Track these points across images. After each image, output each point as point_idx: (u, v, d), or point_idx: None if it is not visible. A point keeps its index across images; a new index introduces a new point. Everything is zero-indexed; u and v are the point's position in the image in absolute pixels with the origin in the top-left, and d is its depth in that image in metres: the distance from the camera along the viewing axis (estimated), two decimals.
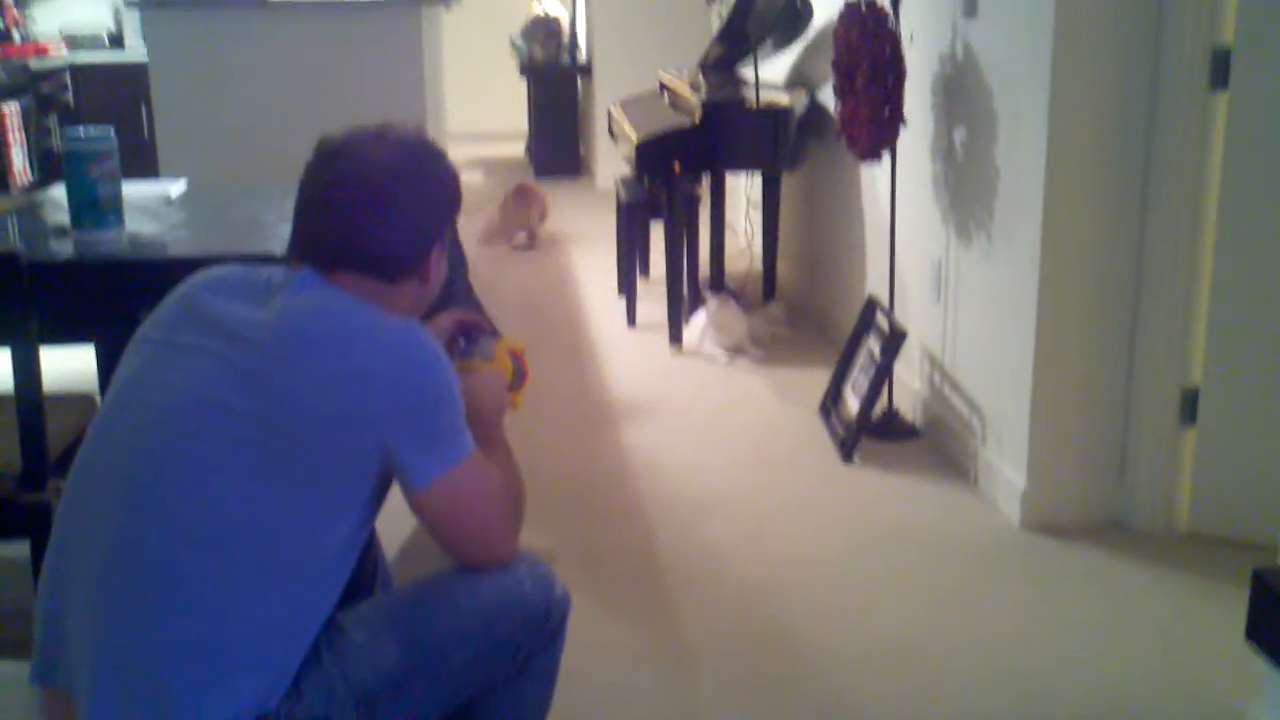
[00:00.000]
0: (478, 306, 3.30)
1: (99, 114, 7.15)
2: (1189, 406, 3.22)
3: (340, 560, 1.68)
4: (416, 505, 1.70)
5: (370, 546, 2.08)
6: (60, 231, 2.77)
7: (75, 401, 2.54)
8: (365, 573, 2.04)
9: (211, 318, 1.69)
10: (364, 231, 1.75)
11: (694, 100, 4.84)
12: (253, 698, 1.57)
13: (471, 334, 2.10)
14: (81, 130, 2.73)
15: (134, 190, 3.10)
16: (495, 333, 2.19)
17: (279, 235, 1.77)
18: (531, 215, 6.75)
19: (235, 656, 1.56)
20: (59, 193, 2.88)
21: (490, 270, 6.25)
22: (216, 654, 1.55)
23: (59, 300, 2.54)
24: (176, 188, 3.28)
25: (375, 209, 1.75)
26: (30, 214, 3.07)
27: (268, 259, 1.93)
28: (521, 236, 6.72)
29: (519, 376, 2.14)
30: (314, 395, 1.60)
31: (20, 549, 2.29)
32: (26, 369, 2.16)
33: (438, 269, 1.86)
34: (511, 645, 1.80)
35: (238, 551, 1.57)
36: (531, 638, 1.82)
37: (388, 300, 1.76)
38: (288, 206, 1.81)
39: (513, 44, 9.28)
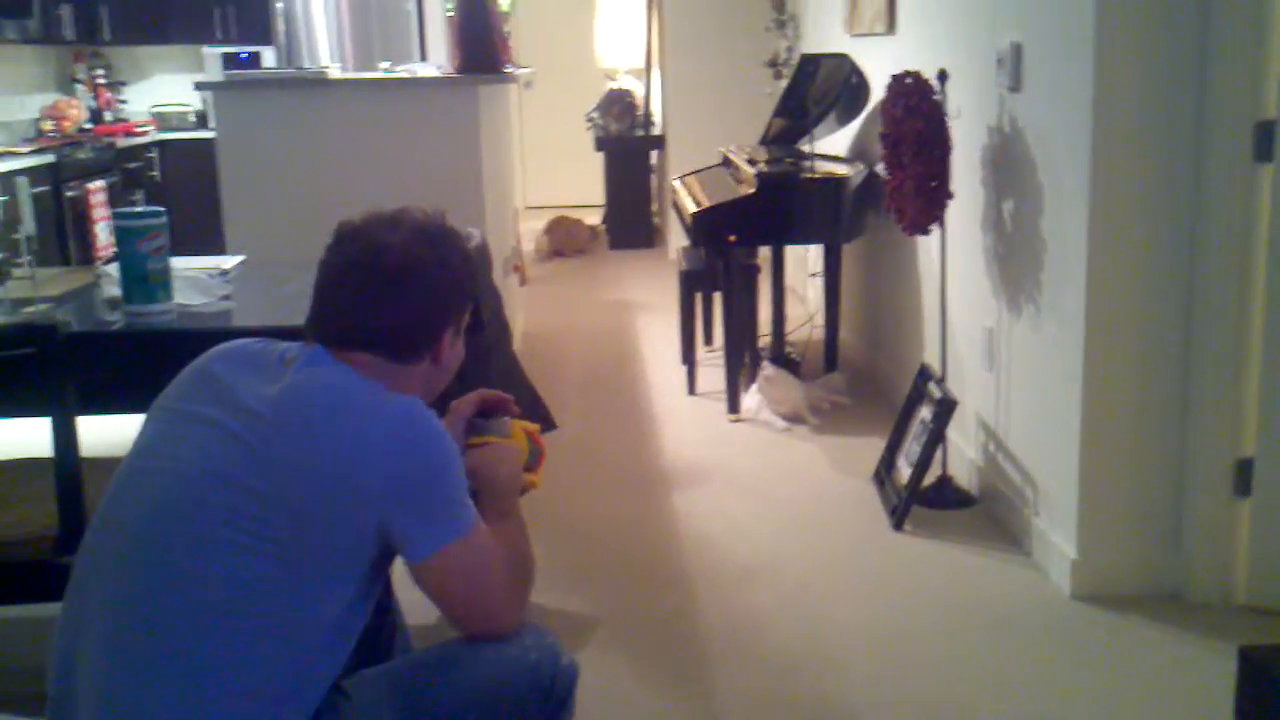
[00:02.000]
0: (521, 379, 3.34)
1: (183, 191, 7.41)
2: (1243, 477, 3.16)
3: (342, 630, 1.71)
4: (416, 577, 1.74)
5: (388, 612, 2.12)
6: (112, 304, 2.88)
7: (115, 467, 2.62)
8: (382, 639, 2.08)
9: (222, 389, 1.75)
10: (374, 312, 1.81)
11: (750, 173, 4.89)
12: None
13: (490, 412, 2.14)
14: (133, 209, 2.83)
15: (188, 265, 3.21)
16: (521, 414, 2.22)
17: None
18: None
19: None
20: (117, 268, 2.98)
21: (554, 346, 6.32)
22: (214, 718, 1.59)
23: (106, 370, 2.64)
24: (231, 263, 3.39)
25: (385, 290, 1.81)
26: (93, 287, 3.20)
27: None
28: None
29: (535, 456, 2.19)
30: (312, 470, 1.65)
31: (58, 609, 2.36)
32: (65, 436, 2.25)
33: (451, 352, 1.91)
34: (515, 716, 1.81)
35: (236, 619, 1.61)
36: (536, 709, 1.83)
37: (398, 380, 1.81)
38: None
39: (589, 118, 9.44)
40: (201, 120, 8.05)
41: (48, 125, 7.41)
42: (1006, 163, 3.68)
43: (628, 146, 9.18)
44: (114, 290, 2.91)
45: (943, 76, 3.83)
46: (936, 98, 3.80)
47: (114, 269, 2.95)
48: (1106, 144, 3.09)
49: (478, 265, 2.05)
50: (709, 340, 5.85)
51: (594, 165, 9.44)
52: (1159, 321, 3.17)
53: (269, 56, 7.87)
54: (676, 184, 5.81)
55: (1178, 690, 2.82)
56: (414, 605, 2.15)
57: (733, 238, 4.76)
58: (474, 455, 2.02)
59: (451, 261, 1.88)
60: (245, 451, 1.66)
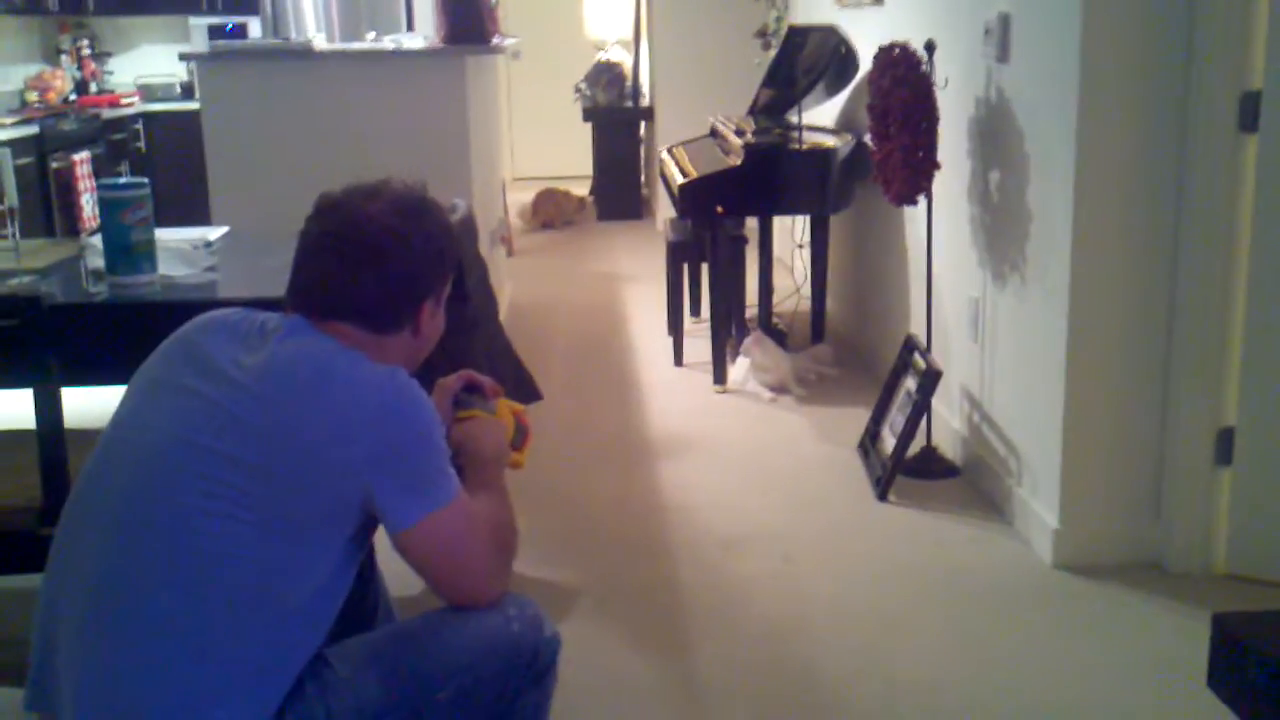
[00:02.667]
0: (507, 350, 3.35)
1: (168, 162, 7.38)
2: (1224, 446, 3.18)
3: (324, 599, 1.72)
4: (399, 547, 1.75)
5: (371, 582, 2.13)
6: (96, 276, 2.87)
7: (98, 438, 2.63)
8: (365, 608, 2.09)
9: (204, 360, 1.75)
10: (353, 282, 1.81)
11: (738, 144, 4.89)
12: None
13: (476, 389, 2.15)
14: (117, 180, 2.83)
15: (173, 236, 3.20)
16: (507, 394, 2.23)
17: None
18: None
19: (215, 691, 1.61)
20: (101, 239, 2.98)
21: (541, 317, 6.33)
22: (196, 688, 1.60)
23: (90, 342, 2.65)
24: (216, 234, 3.38)
25: (365, 261, 1.81)
26: (79, 259, 3.19)
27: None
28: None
29: (521, 435, 2.20)
30: (295, 439, 1.66)
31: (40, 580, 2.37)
32: (48, 407, 2.25)
33: (432, 323, 1.92)
34: (497, 685, 1.83)
35: (218, 589, 1.62)
36: (518, 678, 1.85)
37: (379, 351, 1.81)
38: None
39: (577, 89, 9.40)
40: (187, 91, 8.01)
41: (32, 96, 7.36)
42: (993, 134, 3.69)
43: (616, 118, 9.15)
44: (98, 262, 2.91)
45: (930, 47, 3.82)
46: (924, 69, 3.80)
47: (98, 240, 2.95)
48: (1093, 115, 3.09)
49: (459, 236, 2.05)
50: (696, 311, 5.85)
51: (582, 136, 9.41)
52: (1142, 292, 3.18)
53: (255, 27, 7.82)
54: (664, 155, 5.81)
55: (1157, 658, 2.84)
56: (397, 576, 2.16)
57: (720, 209, 4.76)
58: (460, 428, 2.03)
59: (431, 233, 1.88)
60: (227, 420, 1.67)
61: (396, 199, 1.87)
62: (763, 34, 7.54)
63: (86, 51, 8.03)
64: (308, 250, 1.85)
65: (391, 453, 1.70)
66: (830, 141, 4.89)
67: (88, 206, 6.54)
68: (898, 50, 3.86)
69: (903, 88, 3.79)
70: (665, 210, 7.92)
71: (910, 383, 3.96)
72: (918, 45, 3.84)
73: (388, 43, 5.18)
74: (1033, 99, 3.40)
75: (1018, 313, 3.53)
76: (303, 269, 1.85)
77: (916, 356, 3.97)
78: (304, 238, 1.86)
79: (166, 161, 7.47)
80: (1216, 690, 1.51)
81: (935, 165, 3.82)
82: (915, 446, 3.91)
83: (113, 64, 8.31)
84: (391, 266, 1.82)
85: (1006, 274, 3.60)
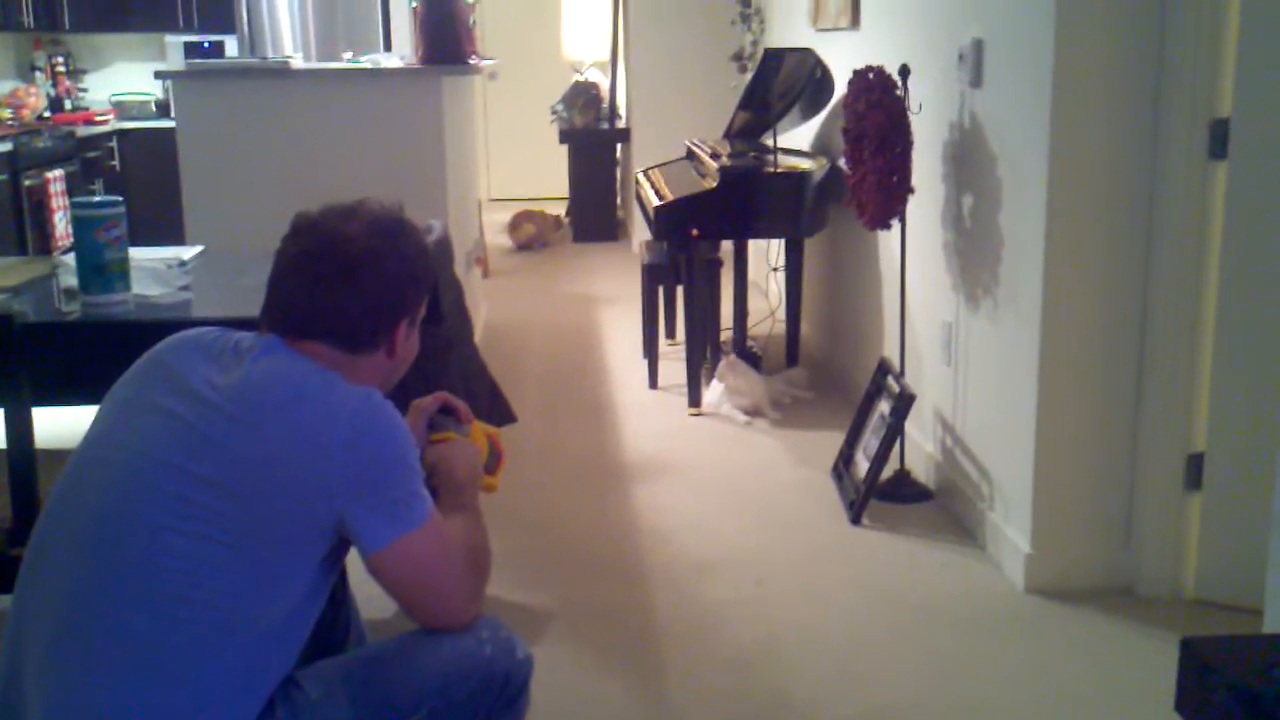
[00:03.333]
0: (482, 371, 3.35)
1: (142, 180, 7.35)
2: (1194, 472, 3.20)
3: (296, 621, 1.72)
4: (371, 569, 1.74)
5: (343, 604, 2.12)
6: (69, 295, 2.86)
7: (70, 458, 2.62)
8: (336, 632, 2.08)
9: (177, 379, 1.75)
10: (329, 302, 1.81)
11: (713, 166, 4.90)
12: None
13: (450, 412, 2.15)
14: (91, 198, 2.82)
15: (147, 255, 3.19)
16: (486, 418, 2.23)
17: None
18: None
19: (186, 713, 1.60)
20: (74, 258, 2.97)
21: (516, 339, 6.32)
22: (167, 710, 1.59)
23: (63, 361, 2.63)
24: (190, 253, 3.37)
25: (341, 281, 1.82)
26: (52, 277, 3.17)
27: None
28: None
29: (495, 459, 2.20)
30: (268, 460, 1.65)
31: (8, 601, 2.35)
32: (19, 427, 2.24)
33: (406, 344, 1.92)
34: (470, 708, 1.82)
35: (188, 611, 1.61)
36: (491, 702, 1.85)
37: (353, 371, 1.81)
38: None
39: (554, 111, 9.43)
40: (162, 109, 7.98)
41: (6, 113, 7.33)
42: (967, 158, 3.71)
43: (592, 139, 9.17)
44: (71, 280, 2.89)
45: (904, 72, 3.85)
46: (898, 93, 3.83)
47: (71, 259, 2.93)
48: (1065, 140, 3.12)
49: (434, 257, 2.05)
50: (671, 334, 5.86)
51: (558, 158, 9.43)
52: (1114, 317, 3.21)
53: (231, 46, 7.81)
54: (640, 177, 5.82)
55: (1127, 682, 2.85)
56: (369, 600, 2.15)
57: (695, 232, 4.78)
58: (434, 450, 2.03)
59: (407, 253, 1.88)
60: (200, 441, 1.66)
61: (373, 219, 1.87)
62: (739, 57, 7.59)
63: (61, 68, 8.00)
64: (284, 269, 1.85)
65: (365, 475, 1.69)
66: (805, 165, 4.92)
67: (60, 225, 6.50)
68: (873, 74, 3.89)
69: (877, 111, 3.81)
70: (641, 232, 7.95)
71: (884, 406, 3.97)
72: (893, 69, 3.87)
73: (365, 62, 5.18)
74: (1006, 124, 3.43)
75: (990, 337, 3.56)
76: (278, 288, 1.85)
77: (890, 380, 3.99)
78: (280, 257, 1.86)
79: (141, 180, 7.44)
80: (1184, 714, 1.52)
81: (909, 189, 3.84)
82: (888, 470, 3.92)
83: (88, 81, 8.28)
84: (367, 286, 1.82)
85: (979, 298, 3.63)
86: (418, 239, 1.93)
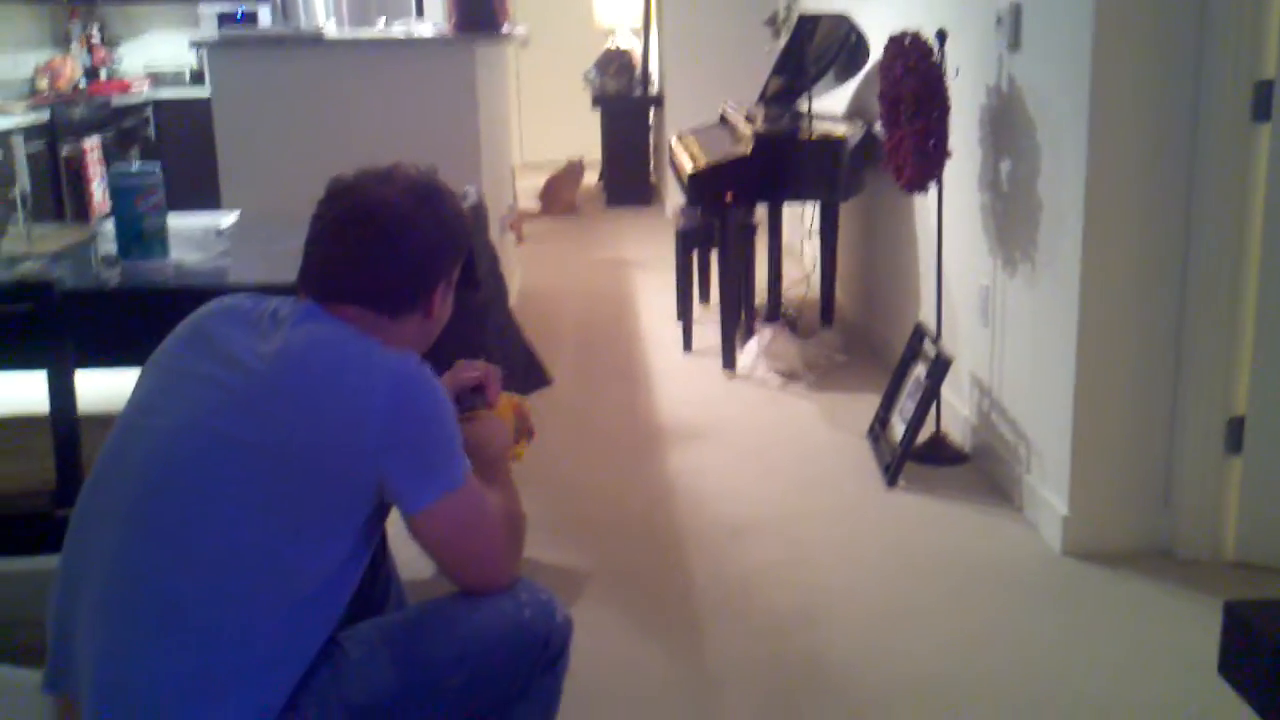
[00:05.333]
0: (518, 336, 3.35)
1: (178, 148, 7.37)
2: (1234, 435, 3.18)
3: (339, 583, 1.73)
4: (413, 530, 1.75)
5: (381, 565, 2.14)
6: (110, 261, 2.88)
7: (112, 422, 2.64)
8: (376, 593, 2.10)
9: (218, 345, 1.76)
10: (366, 266, 1.82)
11: (748, 132, 4.88)
12: (247, 715, 1.62)
13: (480, 389, 2.16)
14: (129, 166, 2.84)
15: (185, 222, 3.21)
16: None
17: None
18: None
19: (230, 675, 1.61)
20: (113, 225, 2.99)
21: (550, 304, 6.34)
22: (211, 672, 1.60)
23: (103, 326, 2.66)
24: (227, 220, 3.39)
25: (377, 244, 1.82)
26: (91, 244, 3.20)
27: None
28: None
29: (521, 430, 2.21)
30: (310, 423, 1.66)
31: (55, 562, 2.39)
32: (61, 391, 2.27)
33: (443, 306, 1.93)
34: (510, 670, 1.83)
35: (233, 574, 1.63)
36: (530, 664, 1.85)
37: (390, 334, 1.82)
38: None
39: (586, 77, 9.40)
40: (196, 78, 8.00)
41: (42, 83, 7.37)
42: (1005, 122, 3.68)
43: (625, 105, 9.15)
44: (110, 247, 2.92)
45: (941, 36, 3.81)
46: (935, 57, 3.79)
47: (110, 226, 2.96)
48: (1105, 103, 3.08)
49: (470, 220, 2.05)
50: (705, 298, 5.86)
51: (591, 123, 9.40)
52: (1153, 280, 3.18)
53: (265, 14, 7.82)
54: (674, 142, 5.81)
55: (1166, 645, 2.85)
56: (408, 562, 2.17)
57: (730, 197, 4.76)
58: (464, 427, 2.04)
59: (444, 216, 1.89)
60: (242, 407, 1.68)
61: (409, 182, 1.87)
62: (773, 22, 7.54)
63: (96, 38, 8.03)
64: (320, 234, 1.85)
65: (405, 436, 1.70)
66: (840, 129, 4.89)
67: (98, 192, 6.57)
68: (909, 39, 3.85)
69: (914, 76, 3.78)
70: (674, 197, 7.93)
71: (920, 370, 3.96)
72: (929, 34, 3.83)
73: (398, 30, 5.18)
74: (1044, 87, 3.39)
75: (1028, 300, 3.53)
76: (315, 253, 1.85)
77: (926, 343, 3.97)
78: (316, 221, 1.87)
79: (175, 148, 7.46)
80: (1228, 677, 1.51)
81: (946, 153, 3.81)
82: (925, 433, 3.91)
83: (122, 50, 8.30)
84: (404, 249, 1.83)
85: (1017, 261, 3.60)
86: (453, 202, 1.93)
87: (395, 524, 1.82)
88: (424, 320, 1.89)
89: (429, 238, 1.86)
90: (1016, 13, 3.52)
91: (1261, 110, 3.01)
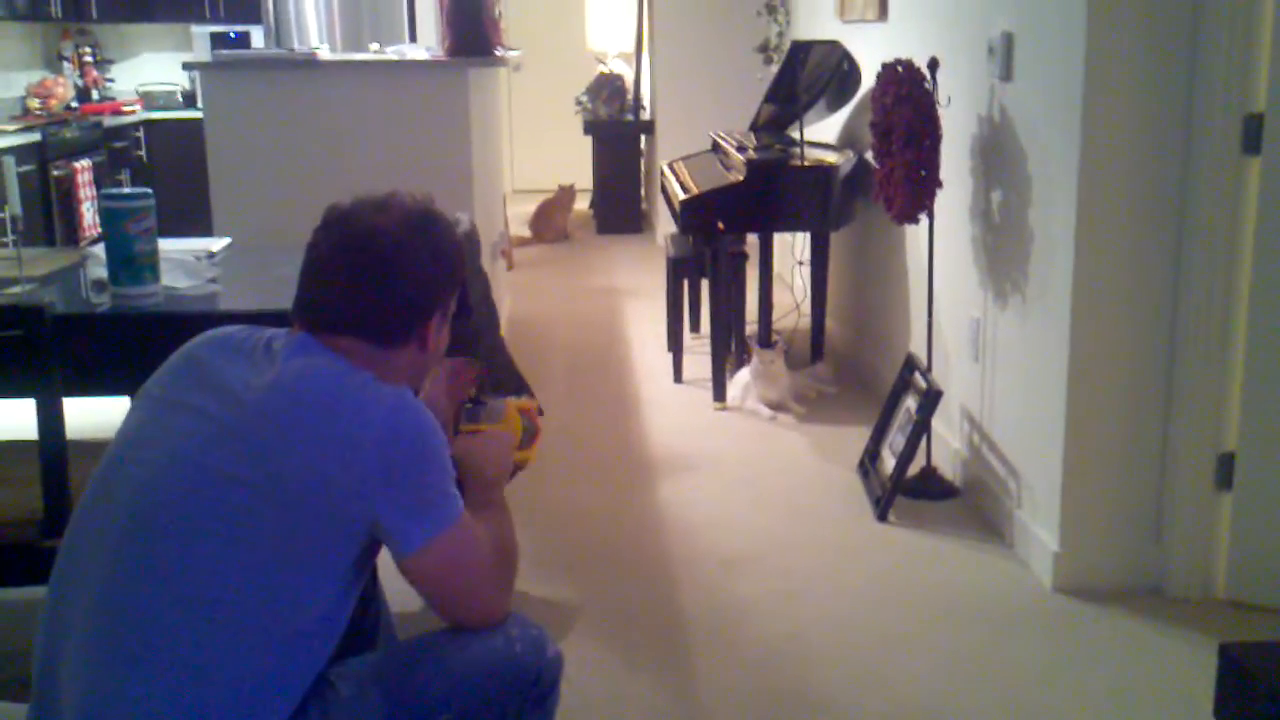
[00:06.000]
0: (508, 364, 3.34)
1: (170, 170, 7.38)
2: (1225, 471, 3.18)
3: (328, 621, 1.71)
4: (403, 570, 1.74)
5: (372, 602, 2.12)
6: (100, 286, 2.87)
7: (101, 450, 2.62)
8: (365, 630, 2.08)
9: (210, 377, 1.74)
10: (361, 296, 1.80)
11: (739, 159, 4.89)
12: None
13: (480, 401, 2.15)
14: (121, 189, 2.82)
15: (176, 247, 3.20)
16: (523, 389, 2.23)
17: None
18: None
19: (219, 712, 1.59)
20: (104, 249, 2.98)
21: (540, 332, 6.32)
22: (199, 710, 1.58)
23: (93, 352, 2.64)
24: (219, 245, 3.38)
25: (373, 274, 1.80)
26: (80, 268, 3.18)
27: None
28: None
29: (529, 435, 2.19)
30: (301, 460, 1.64)
31: (42, 593, 2.36)
32: (50, 418, 2.25)
33: (438, 337, 1.91)
34: (500, 706, 1.81)
35: (221, 612, 1.61)
36: (521, 699, 1.83)
37: (385, 366, 1.80)
38: None
39: (578, 102, 9.41)
40: (188, 100, 8.01)
41: (34, 103, 7.36)
42: (996, 153, 3.69)
43: (617, 131, 9.16)
44: (101, 272, 2.90)
45: (933, 65, 3.83)
46: (927, 86, 3.80)
47: (100, 250, 2.94)
48: (1096, 135, 3.09)
49: (466, 251, 2.04)
50: (695, 327, 5.85)
51: (582, 149, 9.42)
52: (1144, 314, 3.18)
53: (257, 36, 7.84)
54: (665, 169, 5.81)
55: (1156, 683, 2.83)
56: (398, 594, 2.15)
57: (721, 225, 4.76)
58: (462, 443, 2.03)
59: (440, 246, 1.87)
60: (235, 442, 1.66)
61: (406, 211, 1.86)
62: (765, 49, 7.56)
63: (89, 59, 8.03)
64: (315, 263, 1.84)
65: (398, 476, 1.68)
66: (832, 158, 4.90)
67: (88, 215, 6.56)
68: (901, 67, 3.86)
69: (906, 105, 3.79)
70: (665, 224, 7.94)
71: (910, 402, 3.96)
72: (921, 62, 3.84)
73: (391, 53, 5.18)
74: (1036, 118, 3.40)
75: (1019, 333, 3.53)
76: (310, 282, 1.84)
77: (917, 376, 3.97)
78: (311, 250, 1.85)
79: (167, 170, 7.47)
80: None
81: (937, 184, 3.82)
82: (915, 466, 3.91)
83: (115, 71, 8.31)
84: (400, 279, 1.82)
85: (1008, 294, 3.60)
86: (450, 232, 1.92)
87: (385, 557, 1.80)
88: (419, 353, 1.87)
89: (425, 268, 1.84)
90: (1009, 43, 3.53)
91: (1251, 143, 3.02)
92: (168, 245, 3.09)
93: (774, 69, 6.49)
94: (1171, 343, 3.18)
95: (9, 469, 2.53)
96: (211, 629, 1.60)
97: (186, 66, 5.17)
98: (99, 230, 6.54)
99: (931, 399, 3.79)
